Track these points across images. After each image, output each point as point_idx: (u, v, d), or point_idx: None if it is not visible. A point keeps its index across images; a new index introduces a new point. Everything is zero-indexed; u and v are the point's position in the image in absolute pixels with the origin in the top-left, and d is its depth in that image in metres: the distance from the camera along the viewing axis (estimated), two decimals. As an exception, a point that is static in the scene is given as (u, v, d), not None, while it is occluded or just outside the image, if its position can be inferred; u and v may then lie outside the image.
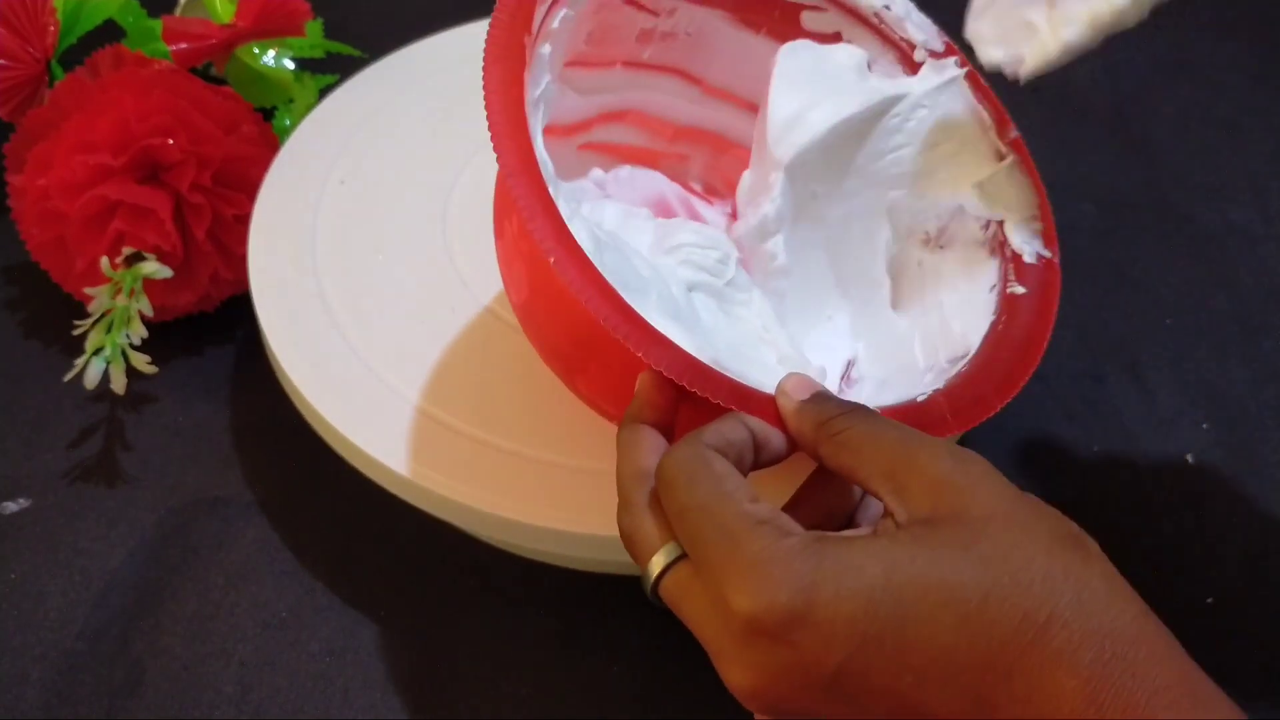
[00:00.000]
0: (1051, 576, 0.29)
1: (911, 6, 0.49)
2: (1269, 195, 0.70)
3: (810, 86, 0.47)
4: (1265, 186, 0.71)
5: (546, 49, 0.44)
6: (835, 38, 0.50)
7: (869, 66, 0.49)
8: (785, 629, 0.29)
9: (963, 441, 0.53)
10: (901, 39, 0.49)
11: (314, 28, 0.69)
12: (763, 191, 0.48)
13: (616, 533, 0.44)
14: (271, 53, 0.66)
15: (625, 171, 0.54)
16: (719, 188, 0.55)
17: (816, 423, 0.35)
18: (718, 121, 0.53)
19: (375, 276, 0.53)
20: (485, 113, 0.39)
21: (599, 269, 0.37)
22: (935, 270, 0.49)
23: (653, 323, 0.37)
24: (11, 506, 0.53)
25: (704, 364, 0.37)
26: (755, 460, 0.35)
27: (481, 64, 0.41)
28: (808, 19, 0.50)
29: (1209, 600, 0.52)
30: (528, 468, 0.46)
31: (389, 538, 0.52)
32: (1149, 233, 0.68)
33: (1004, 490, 0.31)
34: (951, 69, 0.48)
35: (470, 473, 0.46)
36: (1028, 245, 0.46)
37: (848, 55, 0.48)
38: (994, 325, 0.44)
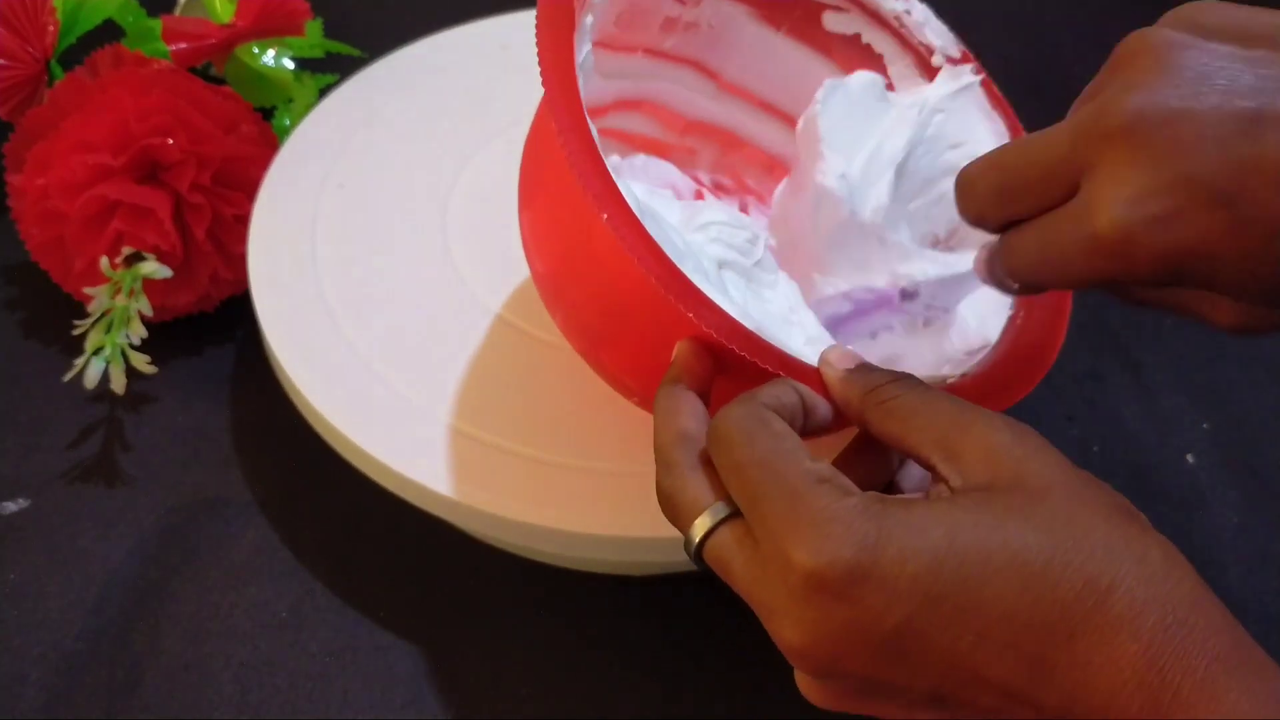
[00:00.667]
0: (1113, 544, 0.29)
1: (930, 13, 0.50)
2: (1269, 195, 0.70)
3: (854, 139, 0.48)
4: (1265, 186, 0.71)
5: (589, 20, 0.44)
6: (855, 39, 0.50)
7: (888, 86, 0.50)
8: (848, 585, 0.29)
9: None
10: (920, 43, 0.50)
11: (313, 27, 0.69)
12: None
13: (618, 533, 0.44)
14: (271, 52, 0.66)
15: (640, 160, 0.54)
16: (726, 184, 0.55)
17: (864, 390, 0.35)
18: (730, 118, 0.54)
19: (375, 276, 0.53)
20: (539, 71, 0.38)
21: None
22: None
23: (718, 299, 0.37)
24: (11, 507, 0.53)
25: (751, 330, 0.37)
26: (803, 427, 0.35)
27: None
28: (829, 19, 0.50)
29: (1209, 600, 0.52)
30: (528, 467, 0.46)
31: (389, 538, 0.52)
32: (1149, 232, 0.68)
33: (1060, 461, 0.32)
34: (968, 75, 0.48)
35: (471, 472, 0.46)
36: None
37: (864, 84, 0.49)
38: (1012, 319, 0.45)
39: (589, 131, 0.38)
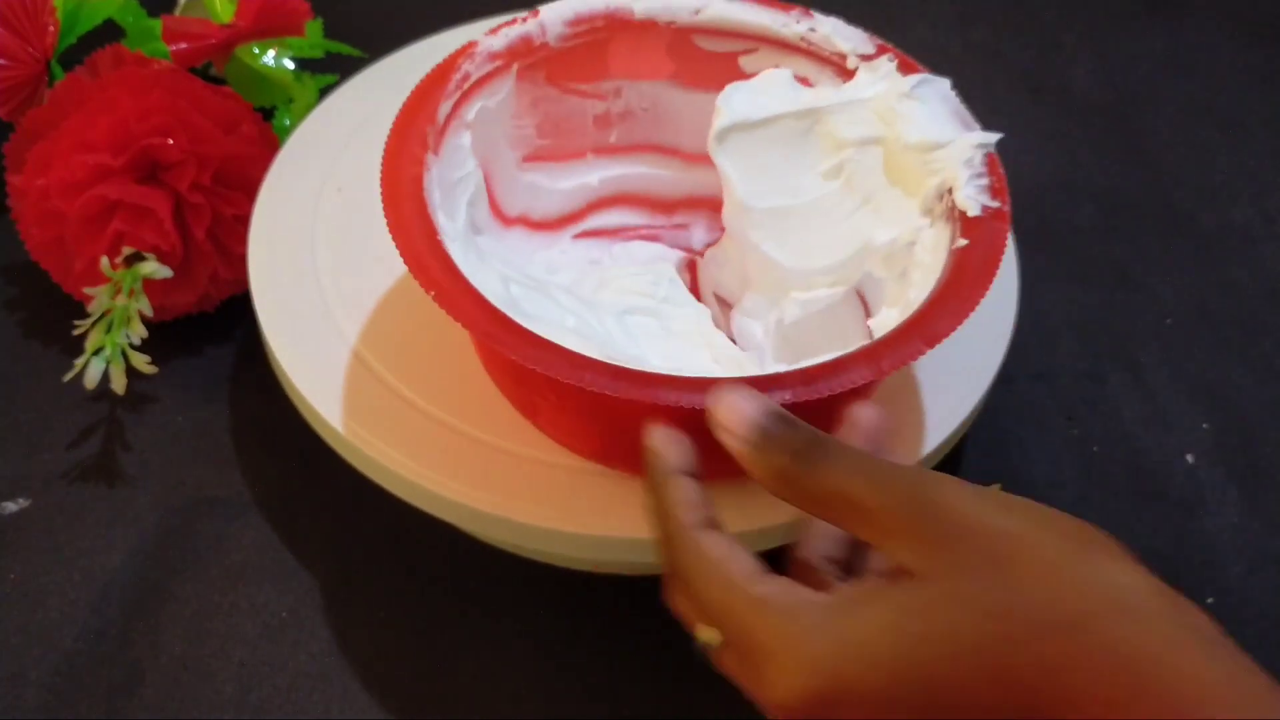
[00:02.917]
0: (1060, 615, 0.29)
1: (837, 22, 0.51)
2: (1269, 195, 0.70)
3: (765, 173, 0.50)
4: (1265, 186, 0.71)
5: (466, 139, 0.47)
6: None
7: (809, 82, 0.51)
8: (820, 709, 0.30)
9: (961, 444, 0.53)
10: (833, 54, 0.51)
11: (314, 27, 0.69)
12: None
13: (616, 533, 0.44)
14: (271, 52, 0.66)
15: (619, 248, 0.55)
16: None
17: (776, 474, 0.34)
18: (707, 185, 0.53)
19: (375, 276, 0.53)
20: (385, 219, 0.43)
21: (489, 296, 0.41)
22: (916, 261, 0.49)
23: (564, 340, 0.40)
24: (11, 506, 0.53)
25: (576, 353, 0.39)
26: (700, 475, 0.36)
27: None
28: (745, 62, 0.52)
29: (1209, 600, 0.52)
30: (528, 468, 0.46)
31: (389, 538, 0.52)
32: (1149, 233, 0.68)
33: (1015, 523, 0.31)
34: (884, 66, 0.49)
35: (470, 473, 0.46)
36: (972, 202, 0.45)
37: (767, 81, 0.50)
38: (938, 283, 0.43)
39: (441, 251, 0.42)
